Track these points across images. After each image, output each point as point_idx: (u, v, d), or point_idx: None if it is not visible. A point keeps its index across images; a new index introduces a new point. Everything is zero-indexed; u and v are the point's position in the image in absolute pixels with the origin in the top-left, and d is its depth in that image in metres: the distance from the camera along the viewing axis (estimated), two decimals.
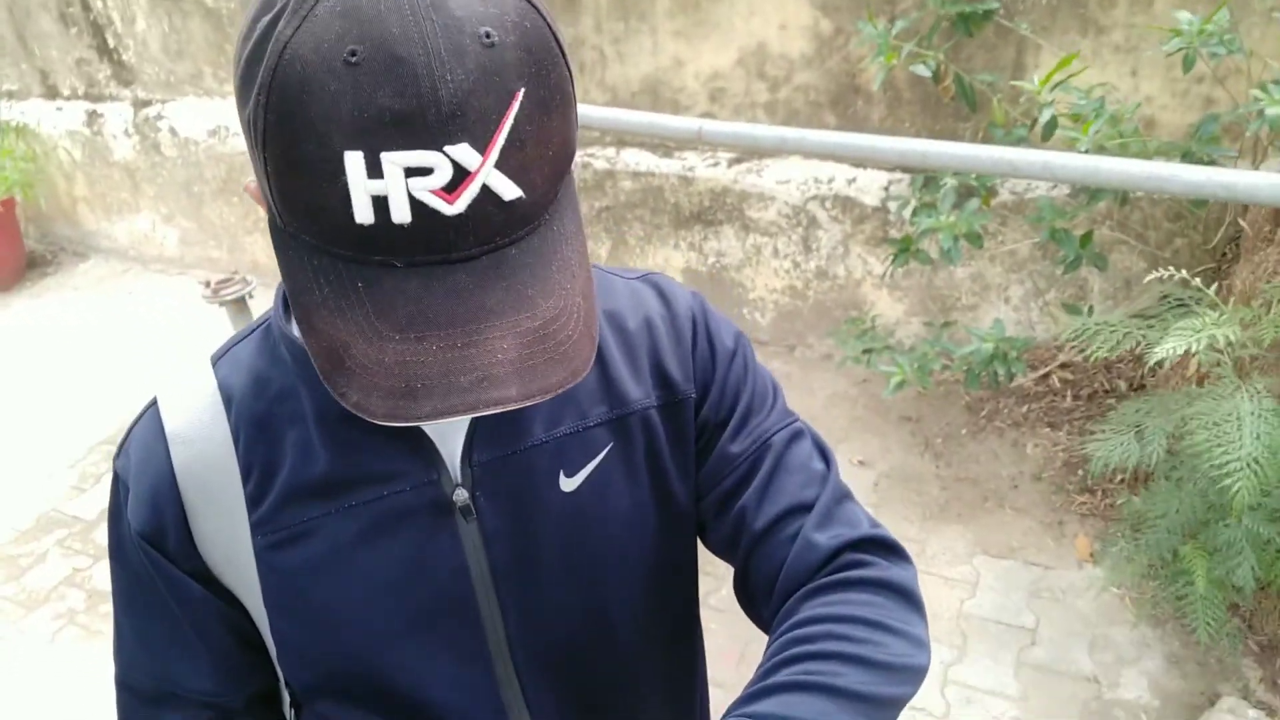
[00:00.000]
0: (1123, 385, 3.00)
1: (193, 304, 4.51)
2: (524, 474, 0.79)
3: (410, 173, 0.54)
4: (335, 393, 0.57)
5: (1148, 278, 2.12)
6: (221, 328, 4.01)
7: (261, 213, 4.10)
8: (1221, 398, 1.84)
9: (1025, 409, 3.08)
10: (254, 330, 0.81)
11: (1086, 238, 2.60)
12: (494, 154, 0.55)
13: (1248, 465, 1.71)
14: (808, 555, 0.78)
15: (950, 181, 2.71)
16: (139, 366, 4.07)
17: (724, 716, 0.68)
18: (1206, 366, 2.05)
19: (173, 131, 4.54)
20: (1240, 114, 2.36)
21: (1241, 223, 2.52)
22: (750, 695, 0.69)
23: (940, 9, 2.74)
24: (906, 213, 2.90)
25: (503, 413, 0.76)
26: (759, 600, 0.83)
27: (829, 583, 0.77)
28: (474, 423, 0.77)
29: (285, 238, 0.60)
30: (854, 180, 3.23)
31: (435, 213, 0.55)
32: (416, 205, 0.55)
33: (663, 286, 0.89)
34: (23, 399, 3.90)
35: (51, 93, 4.94)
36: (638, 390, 0.83)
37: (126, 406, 3.75)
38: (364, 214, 0.55)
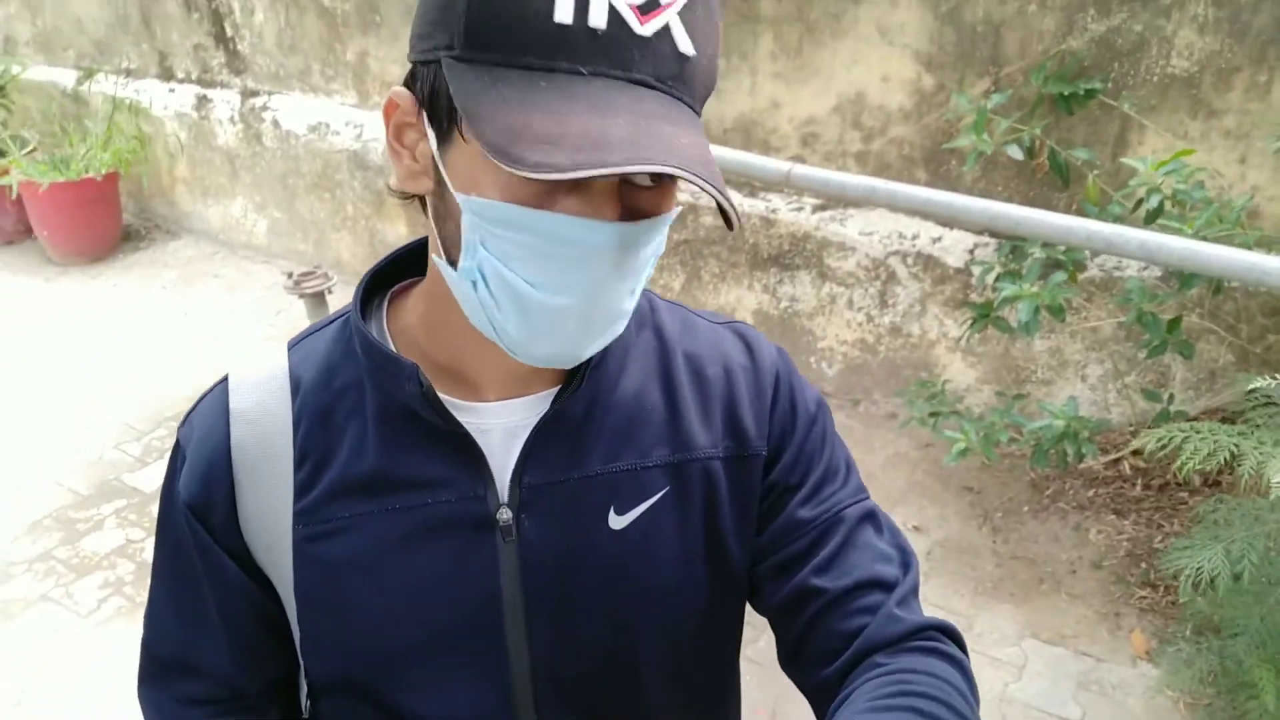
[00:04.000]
0: (1197, 480, 2.88)
1: (274, 293, 4.63)
2: (573, 503, 0.78)
3: None
4: (509, 162, 0.55)
5: (1251, 386, 2.02)
6: (298, 318, 4.10)
7: (349, 210, 4.15)
8: None
9: (1092, 493, 2.98)
10: (332, 322, 0.82)
11: (1175, 323, 2.51)
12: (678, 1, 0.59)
13: None
14: (891, 626, 0.77)
15: (1038, 252, 2.65)
16: (215, 347, 4.18)
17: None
18: None
19: (276, 123, 4.68)
20: None
21: None
22: (867, 709, 0.69)
23: (1043, 88, 2.69)
24: (990, 278, 2.85)
25: (559, 437, 0.77)
26: (816, 663, 0.80)
27: (919, 647, 0.76)
28: (529, 443, 0.77)
29: (462, 69, 0.61)
30: (939, 239, 3.18)
31: (627, 25, 0.58)
32: (613, 14, 0.58)
33: (749, 337, 0.87)
34: (99, 368, 4.03)
35: (167, 74, 5.14)
36: (705, 438, 0.81)
37: (196, 385, 3.85)
38: (564, 13, 0.57)
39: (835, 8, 3.09)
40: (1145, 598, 2.62)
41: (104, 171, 4.94)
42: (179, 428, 0.83)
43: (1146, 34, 2.67)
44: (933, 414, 2.88)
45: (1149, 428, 2.99)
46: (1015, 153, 2.64)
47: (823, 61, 3.18)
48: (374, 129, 4.41)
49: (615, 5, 0.57)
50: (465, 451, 0.76)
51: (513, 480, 0.77)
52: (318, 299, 4.04)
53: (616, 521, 0.79)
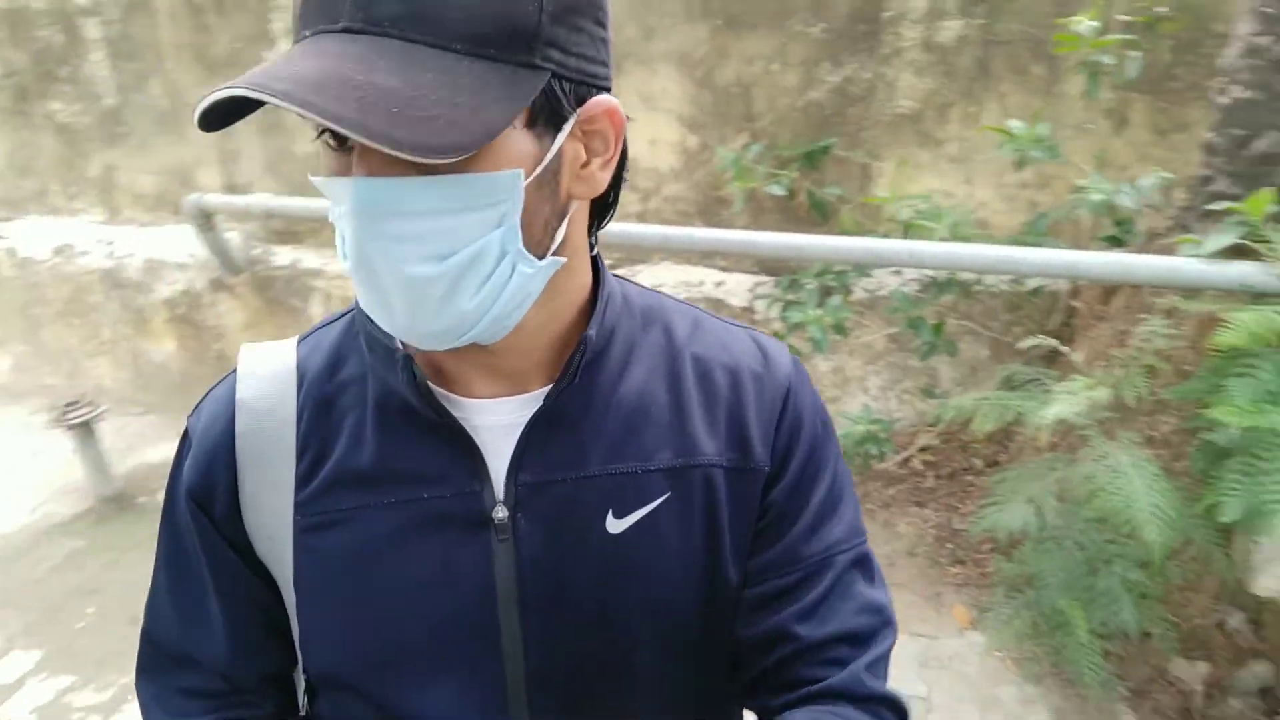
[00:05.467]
0: (979, 463, 3.23)
1: (28, 432, 4.20)
2: (570, 504, 0.76)
3: None
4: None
5: (1024, 342, 2.32)
6: (62, 457, 3.74)
7: (106, 335, 3.91)
8: (1095, 458, 2.03)
9: (892, 491, 3.25)
10: (341, 317, 0.82)
11: (939, 326, 2.84)
12: None
13: (1152, 513, 1.87)
14: (853, 686, 0.77)
15: (812, 282, 2.93)
16: None
17: None
18: (1068, 431, 2.26)
19: (11, 252, 4.32)
20: (1064, 211, 2.68)
21: (1075, 304, 2.83)
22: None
23: (785, 152, 3.02)
24: (774, 311, 3.09)
25: (556, 435, 0.75)
26: (770, 694, 0.81)
27: (866, 711, 0.78)
28: (524, 439, 0.75)
29: None
30: (722, 283, 3.42)
31: None
32: None
33: (764, 344, 0.85)
34: None
35: None
36: (710, 444, 0.78)
37: None
38: None
39: None
40: (958, 574, 2.88)
41: None
42: (189, 416, 0.82)
43: (874, 80, 3.06)
44: None
45: (929, 425, 3.34)
46: (777, 189, 2.93)
47: None
48: (127, 245, 4.18)
49: None
50: (461, 447, 0.75)
51: (509, 478, 0.75)
52: (85, 430, 3.72)
53: (614, 525, 0.76)
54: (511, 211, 0.64)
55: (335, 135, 0.62)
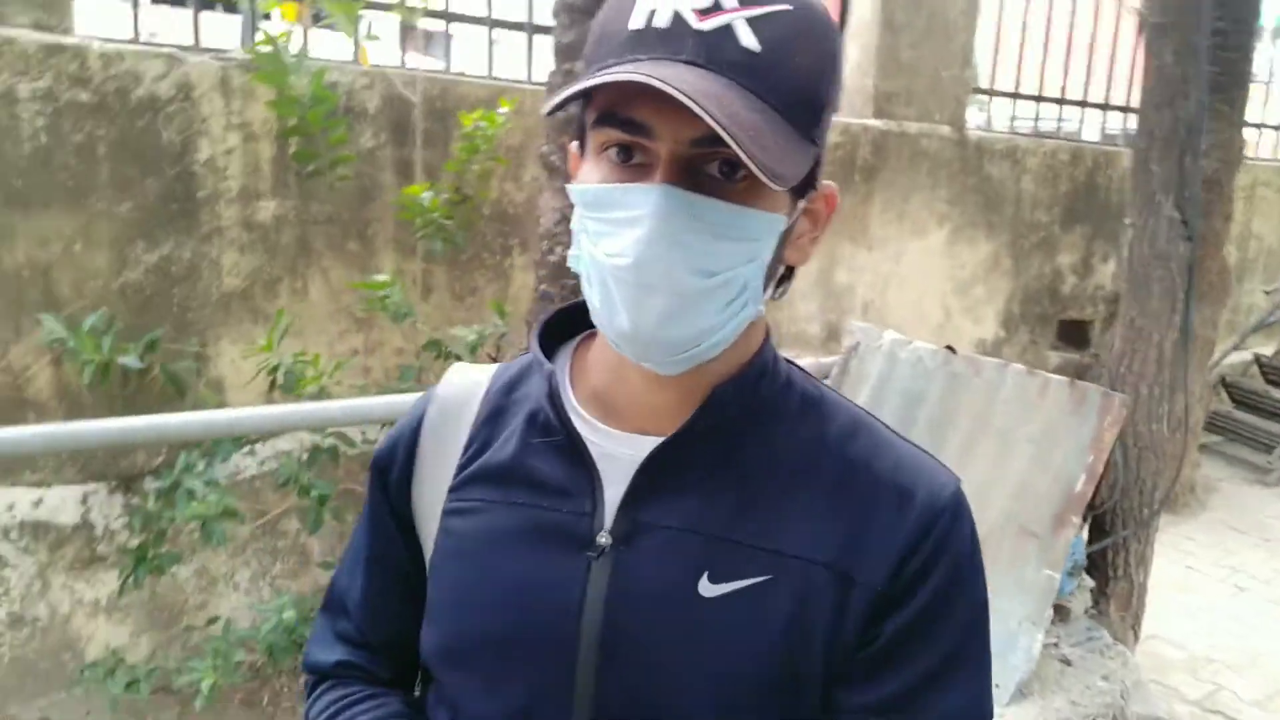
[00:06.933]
0: None
1: None
2: (671, 553, 0.78)
3: None
4: (557, 96, 0.68)
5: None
6: None
7: None
8: None
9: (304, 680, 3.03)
10: (527, 353, 0.91)
11: (324, 497, 2.78)
12: (749, 10, 0.68)
13: None
14: None
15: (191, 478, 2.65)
16: None
17: None
18: None
19: None
20: (424, 361, 2.93)
21: None
22: None
23: (97, 358, 2.64)
24: (125, 520, 2.68)
25: (675, 484, 0.79)
26: None
27: None
28: (638, 476, 0.79)
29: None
30: (40, 501, 2.81)
31: (686, 22, 0.68)
32: (676, 16, 0.68)
33: (925, 462, 0.82)
34: None
35: None
36: (825, 542, 0.77)
37: None
38: (637, 21, 0.69)
39: None
40: None
41: None
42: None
43: (197, 259, 2.92)
44: (131, 683, 2.59)
45: None
46: (134, 362, 2.66)
47: None
48: None
49: (679, 10, 0.68)
50: (583, 467, 0.81)
51: (620, 509, 0.79)
52: None
53: (707, 589, 0.76)
54: (764, 251, 0.74)
55: (625, 149, 0.71)
